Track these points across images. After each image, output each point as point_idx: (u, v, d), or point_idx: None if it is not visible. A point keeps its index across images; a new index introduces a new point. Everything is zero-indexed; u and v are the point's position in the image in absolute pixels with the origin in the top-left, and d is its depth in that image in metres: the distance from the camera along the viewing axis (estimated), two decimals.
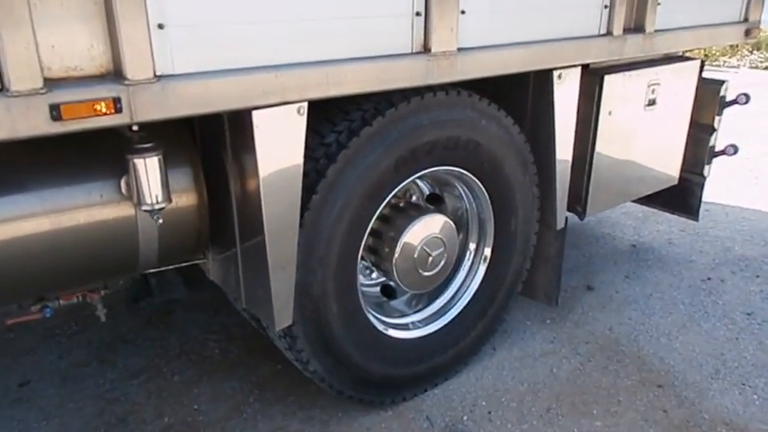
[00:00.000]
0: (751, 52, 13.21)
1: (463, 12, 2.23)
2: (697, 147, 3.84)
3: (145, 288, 3.22)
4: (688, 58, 3.45)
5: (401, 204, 2.66)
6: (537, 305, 3.41)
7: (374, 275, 2.89)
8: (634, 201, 4.19)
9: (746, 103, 3.74)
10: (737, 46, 13.49)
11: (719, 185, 5.46)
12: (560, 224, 3.00)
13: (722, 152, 3.86)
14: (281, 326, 2.16)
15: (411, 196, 2.86)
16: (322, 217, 2.18)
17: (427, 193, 2.90)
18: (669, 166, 3.59)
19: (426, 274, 2.62)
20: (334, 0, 1.94)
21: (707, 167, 3.87)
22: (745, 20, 3.56)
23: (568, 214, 3.10)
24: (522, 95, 2.79)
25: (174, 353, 3.11)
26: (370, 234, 2.45)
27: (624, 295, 3.67)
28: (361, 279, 2.50)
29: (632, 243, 4.37)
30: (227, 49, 1.76)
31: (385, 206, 2.46)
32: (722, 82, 3.71)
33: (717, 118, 3.76)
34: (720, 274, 3.93)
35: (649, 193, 3.71)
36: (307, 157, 2.10)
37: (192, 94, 1.70)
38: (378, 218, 2.48)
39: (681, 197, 4.07)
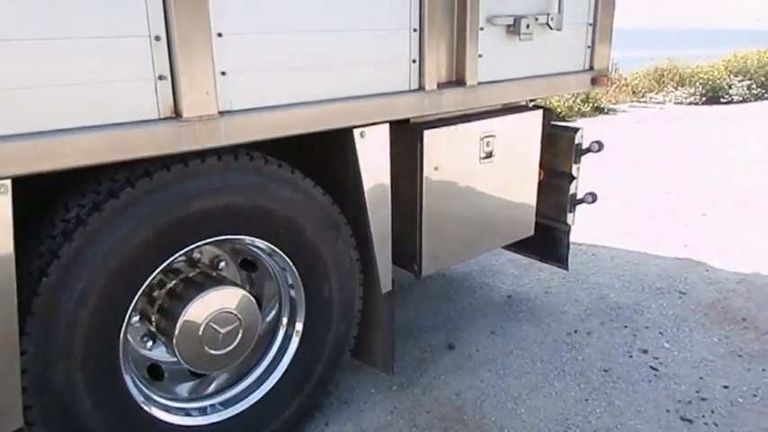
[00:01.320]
0: (676, 88, 13.57)
1: (224, 73, 2.08)
2: (558, 195, 3.75)
3: None
4: (530, 108, 3.36)
5: (190, 275, 2.44)
6: None
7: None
8: (511, 250, 4.09)
9: (599, 150, 3.67)
10: (663, 82, 13.83)
11: (614, 226, 5.41)
12: (386, 287, 2.82)
13: (581, 200, 3.77)
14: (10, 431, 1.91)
15: (219, 263, 2.65)
16: (59, 302, 1.95)
17: (240, 259, 2.71)
18: (520, 217, 3.46)
19: (216, 353, 2.39)
20: (51, 65, 1.76)
21: (570, 216, 3.78)
22: (590, 68, 3.51)
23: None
24: (326, 155, 2.64)
25: None
26: (149, 311, 2.23)
27: (484, 354, 3.50)
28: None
29: (509, 294, 4.22)
30: None
31: (166, 279, 2.25)
32: (576, 129, 3.64)
33: (575, 166, 3.67)
34: (589, 325, 3.80)
35: (503, 245, 3.58)
36: (39, 237, 1.88)
37: None
38: (163, 292, 2.27)
39: (549, 246, 3.97)
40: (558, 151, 3.70)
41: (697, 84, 13.15)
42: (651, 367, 3.35)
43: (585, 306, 4.03)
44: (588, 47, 3.46)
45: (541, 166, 3.73)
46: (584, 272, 4.55)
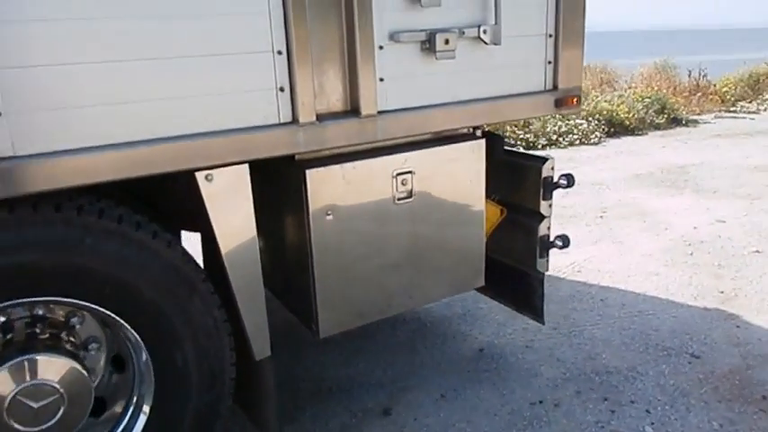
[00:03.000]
0: None
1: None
2: (527, 237, 3.18)
3: None
4: (466, 137, 2.81)
5: (8, 337, 2.15)
6: None
7: None
8: (488, 296, 3.55)
9: (569, 185, 3.06)
10: (759, 89, 12.37)
11: (641, 264, 4.66)
12: (260, 353, 2.41)
13: (551, 244, 3.17)
14: None
15: (73, 323, 2.34)
16: None
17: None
18: (461, 265, 2.92)
19: (28, 430, 2.08)
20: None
21: (540, 261, 3.18)
22: (554, 88, 2.91)
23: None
24: (171, 202, 2.28)
25: None
26: None
27: (421, 425, 2.97)
28: None
29: (482, 347, 3.65)
30: None
31: None
32: (544, 160, 3.05)
33: (544, 203, 3.08)
34: (561, 394, 3.16)
35: (441, 298, 3.06)
36: None
37: None
38: None
39: (522, 295, 3.40)
40: (522, 185, 3.13)
41: None
42: None
43: (567, 368, 3.39)
44: (549, 62, 2.87)
45: (503, 202, 3.19)
46: (582, 322, 3.88)
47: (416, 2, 2.41)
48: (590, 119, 9.90)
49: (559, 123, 9.64)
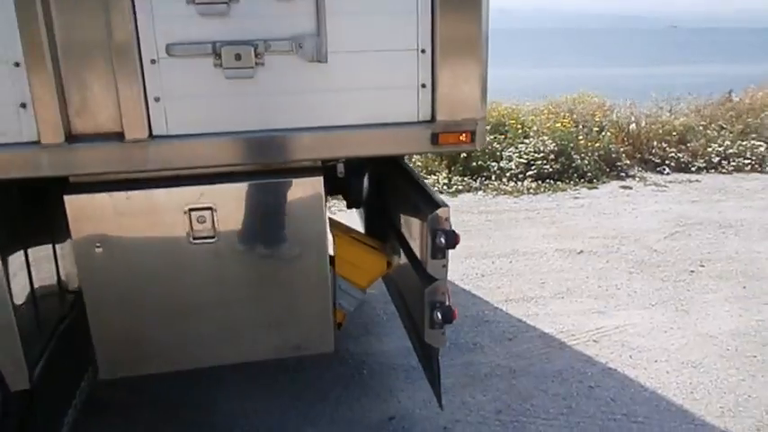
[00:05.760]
0: None
1: None
2: (417, 300, 2.56)
3: None
4: (295, 173, 2.27)
5: None
6: None
7: None
8: None
9: (447, 246, 2.34)
10: None
11: (700, 351, 3.55)
12: (16, 384, 2.23)
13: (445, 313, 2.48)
14: None
15: None
16: None
17: None
18: (293, 324, 2.42)
19: None
20: None
21: (430, 333, 2.53)
22: (431, 120, 2.24)
23: None
24: None
25: None
26: None
27: None
28: None
29: (392, 415, 3.06)
30: None
31: None
32: (436, 206, 2.37)
33: (433, 262, 2.42)
34: None
35: (266, 358, 2.58)
36: None
37: None
38: None
39: (425, 367, 2.77)
40: (412, 235, 2.51)
41: None
42: None
43: None
44: (423, 86, 2.20)
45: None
46: (538, 413, 3.04)
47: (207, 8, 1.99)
48: None
49: (727, 143, 7.88)
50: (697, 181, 7.19)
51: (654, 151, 7.83)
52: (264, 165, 2.24)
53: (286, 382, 3.28)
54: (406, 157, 3.31)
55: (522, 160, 7.34)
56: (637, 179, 7.29)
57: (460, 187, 6.96)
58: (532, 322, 3.93)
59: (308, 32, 2.05)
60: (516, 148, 7.53)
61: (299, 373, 3.33)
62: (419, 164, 7.36)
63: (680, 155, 7.77)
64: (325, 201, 2.30)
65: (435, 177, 7.16)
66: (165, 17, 1.99)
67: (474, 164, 7.33)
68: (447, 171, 7.31)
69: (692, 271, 4.64)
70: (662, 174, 7.51)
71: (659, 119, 8.30)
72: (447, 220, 2.35)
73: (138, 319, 2.29)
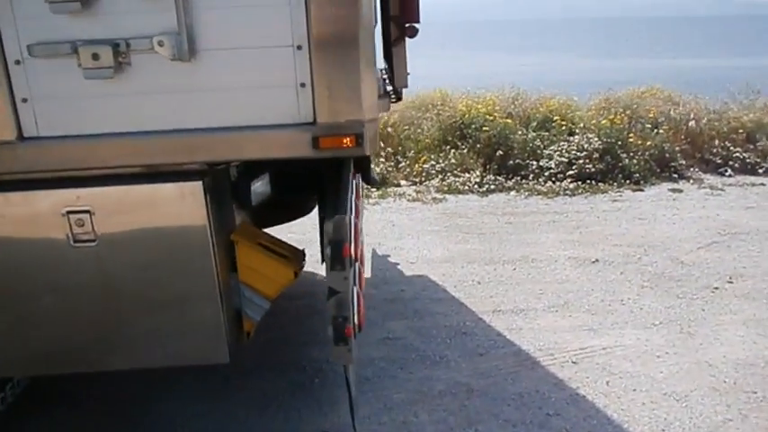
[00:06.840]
0: None
1: None
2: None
3: None
4: (179, 176, 2.16)
5: None
6: None
7: None
8: None
9: (336, 258, 2.15)
10: None
11: (694, 382, 3.15)
12: None
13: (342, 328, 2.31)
14: None
15: None
16: None
17: None
18: (181, 332, 2.33)
19: None
20: None
21: (335, 350, 2.37)
22: (312, 122, 2.07)
23: None
24: None
25: None
26: None
27: None
28: None
29: (325, 428, 2.91)
30: None
31: None
32: (332, 215, 2.21)
33: (334, 273, 2.26)
34: None
35: (160, 366, 2.50)
36: None
37: None
38: None
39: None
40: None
41: None
42: None
43: None
44: (302, 85, 2.03)
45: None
46: None
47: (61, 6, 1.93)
48: None
49: None
50: (761, 185, 6.45)
51: (716, 151, 7.10)
52: (147, 168, 2.16)
53: (237, 386, 3.22)
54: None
55: (563, 159, 6.88)
56: (691, 181, 6.63)
57: (492, 187, 6.62)
58: (512, 337, 3.64)
59: (168, 30, 1.95)
60: (558, 145, 7.08)
61: (254, 377, 3.26)
62: (454, 161, 7.10)
63: (746, 155, 7.01)
64: (208, 205, 2.18)
65: (468, 176, 6.87)
66: (24, 17, 1.95)
67: (511, 162, 6.98)
68: (482, 169, 7.00)
69: (716, 288, 4.13)
70: (722, 176, 6.80)
71: (724, 115, 7.50)
72: (340, 229, 2.18)
73: (18, 319, 2.29)
